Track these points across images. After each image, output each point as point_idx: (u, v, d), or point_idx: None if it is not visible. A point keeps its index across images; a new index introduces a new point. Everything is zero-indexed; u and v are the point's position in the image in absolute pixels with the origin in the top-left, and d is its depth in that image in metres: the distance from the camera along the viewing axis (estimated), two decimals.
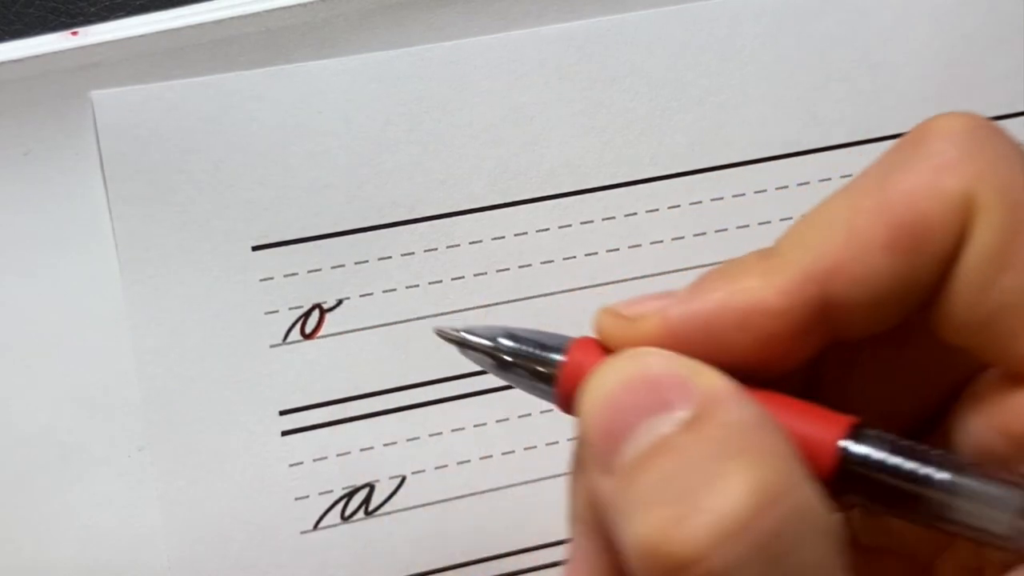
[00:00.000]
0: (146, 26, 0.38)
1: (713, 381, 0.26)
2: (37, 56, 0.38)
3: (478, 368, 0.39)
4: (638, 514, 0.25)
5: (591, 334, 0.28)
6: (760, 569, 0.24)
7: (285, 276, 0.39)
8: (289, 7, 0.38)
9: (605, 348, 0.28)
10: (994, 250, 0.26)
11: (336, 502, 0.40)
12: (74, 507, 0.39)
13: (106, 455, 0.39)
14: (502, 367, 0.30)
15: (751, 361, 0.27)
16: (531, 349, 0.29)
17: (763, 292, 0.27)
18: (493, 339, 0.30)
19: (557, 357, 0.29)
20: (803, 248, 0.27)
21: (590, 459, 0.26)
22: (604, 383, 0.27)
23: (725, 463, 0.25)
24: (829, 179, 0.42)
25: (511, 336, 0.30)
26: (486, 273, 0.40)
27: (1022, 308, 0.26)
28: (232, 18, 0.38)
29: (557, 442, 0.41)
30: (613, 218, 0.41)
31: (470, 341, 0.30)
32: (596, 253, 0.41)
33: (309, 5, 0.39)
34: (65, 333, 0.39)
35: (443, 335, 0.31)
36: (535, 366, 0.29)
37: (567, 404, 0.28)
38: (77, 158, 0.38)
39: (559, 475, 0.41)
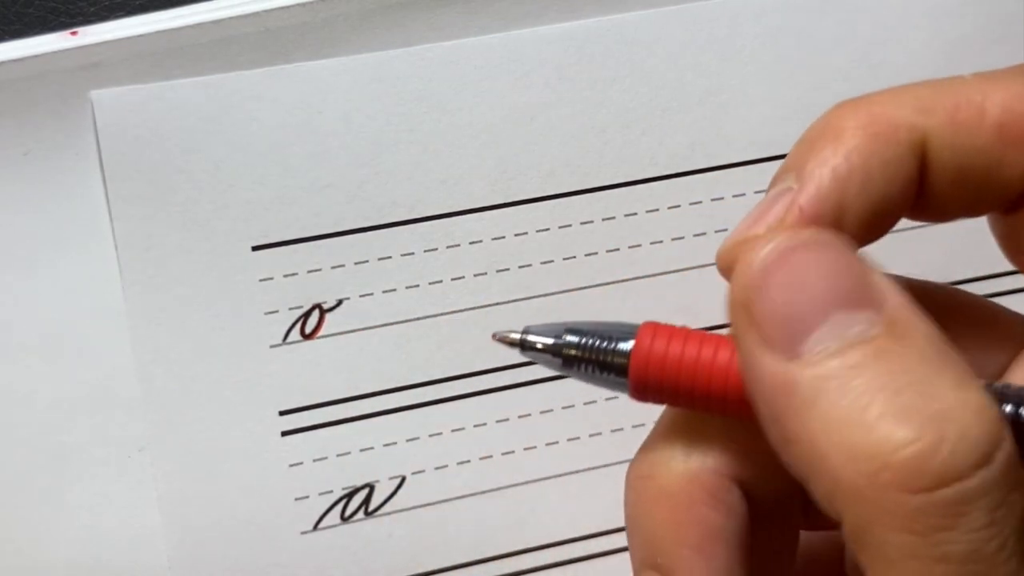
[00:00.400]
0: (146, 26, 0.38)
1: (898, 297, 0.25)
2: (37, 56, 0.38)
3: (478, 368, 0.40)
4: (863, 415, 0.23)
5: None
6: (1000, 496, 0.22)
7: (285, 276, 0.39)
8: (289, 7, 0.38)
9: (674, 331, 0.27)
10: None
11: (336, 502, 0.40)
12: (74, 507, 0.39)
13: (106, 455, 0.39)
14: (569, 364, 0.29)
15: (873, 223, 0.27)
16: (597, 342, 0.28)
17: (882, 139, 0.27)
18: (558, 336, 0.29)
19: (625, 346, 0.28)
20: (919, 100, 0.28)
21: (759, 339, 0.25)
22: (789, 261, 0.25)
23: (947, 378, 0.23)
24: None
25: (574, 331, 0.29)
26: (486, 273, 0.40)
27: None
28: (232, 18, 0.38)
29: (557, 442, 0.41)
30: (613, 218, 0.41)
31: (533, 343, 0.29)
32: (596, 253, 0.41)
33: (309, 5, 0.39)
34: (65, 333, 0.39)
35: (503, 340, 0.30)
36: (604, 358, 0.28)
37: (642, 392, 0.27)
38: (77, 158, 0.38)
39: (559, 475, 0.41)
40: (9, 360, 0.38)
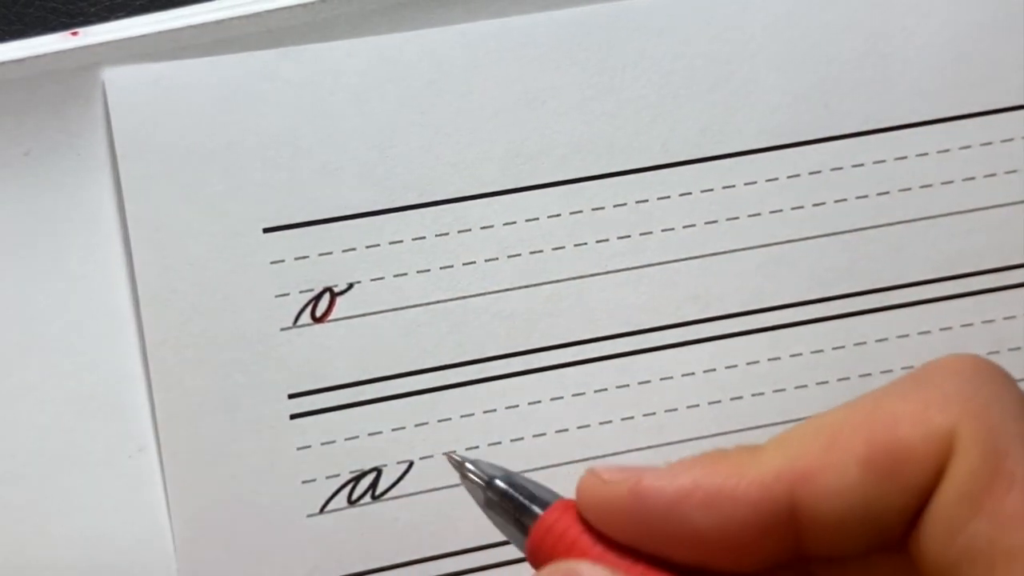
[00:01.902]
0: (146, 26, 0.38)
1: None
2: (37, 56, 0.38)
3: (488, 354, 0.40)
4: None
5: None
6: None
7: (296, 259, 0.39)
8: (290, 7, 0.39)
9: (580, 516, 0.29)
10: (967, 492, 0.26)
11: (343, 486, 0.40)
12: (74, 508, 0.39)
13: (106, 455, 0.39)
14: (488, 505, 0.32)
15: (712, 549, 0.28)
16: (519, 497, 0.31)
17: (734, 479, 0.27)
18: (490, 479, 0.32)
19: (537, 511, 0.31)
20: (784, 448, 0.28)
21: None
22: None
23: None
24: (841, 168, 0.41)
25: (508, 480, 0.32)
26: (497, 258, 0.40)
27: (989, 558, 0.26)
28: (232, 18, 0.38)
29: (567, 429, 0.41)
30: (624, 204, 0.41)
31: (469, 472, 0.32)
32: (607, 240, 0.41)
33: (310, 5, 0.39)
34: (65, 334, 0.39)
35: (450, 459, 0.33)
36: (517, 514, 0.31)
37: (534, 560, 0.29)
38: (78, 158, 0.38)
39: (568, 463, 0.41)
40: (9, 360, 0.38)
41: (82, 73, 0.38)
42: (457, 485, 0.39)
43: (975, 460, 0.26)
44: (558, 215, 0.40)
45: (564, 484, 0.41)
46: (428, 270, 0.40)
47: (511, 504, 0.32)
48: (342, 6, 0.39)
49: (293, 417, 0.39)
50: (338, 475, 0.40)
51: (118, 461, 0.39)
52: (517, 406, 0.40)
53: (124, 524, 0.39)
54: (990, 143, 0.42)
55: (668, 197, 0.41)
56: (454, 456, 0.33)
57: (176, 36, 0.38)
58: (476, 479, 0.33)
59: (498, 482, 0.32)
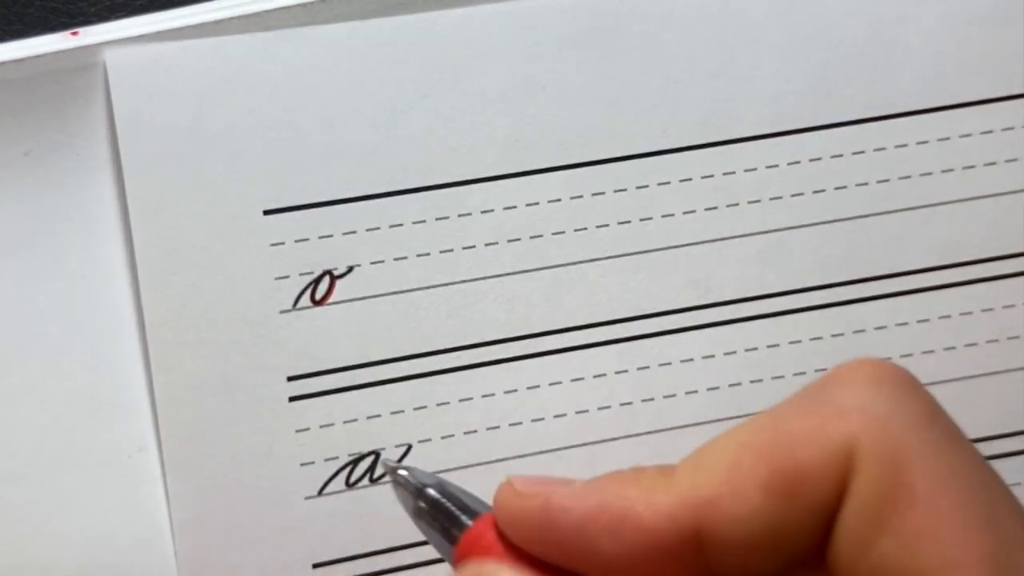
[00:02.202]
0: (146, 26, 0.38)
1: None
2: (37, 56, 0.38)
3: (487, 338, 0.40)
4: None
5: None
6: None
7: (296, 241, 0.39)
8: (289, 7, 0.39)
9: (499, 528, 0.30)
10: (869, 510, 0.26)
11: (341, 468, 0.40)
12: (74, 508, 0.39)
13: (106, 455, 0.39)
14: (417, 514, 0.32)
15: (621, 571, 0.27)
16: (450, 506, 0.32)
17: (639, 506, 0.27)
18: (422, 487, 0.32)
19: (466, 522, 0.31)
20: (693, 472, 0.27)
21: None
22: None
23: None
24: (841, 155, 0.41)
25: (440, 488, 0.32)
26: (497, 243, 0.40)
27: None
28: (232, 18, 0.38)
29: (565, 414, 0.41)
30: (625, 190, 0.41)
31: (400, 478, 0.32)
32: (607, 225, 0.41)
33: (309, 6, 0.39)
34: (65, 334, 0.39)
35: (384, 465, 0.36)
36: (444, 523, 0.31)
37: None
38: (78, 158, 0.38)
39: (565, 447, 0.41)
40: (9, 360, 0.38)
41: (82, 73, 0.38)
42: (453, 469, 0.40)
43: (875, 476, 0.26)
44: (558, 200, 0.40)
45: (563, 470, 0.41)
46: (428, 254, 0.40)
47: (441, 514, 0.32)
48: (342, 6, 0.39)
49: (292, 400, 0.39)
50: (336, 458, 0.40)
51: (118, 461, 0.39)
52: (516, 390, 0.40)
53: (124, 524, 0.39)
54: (991, 131, 0.42)
55: (668, 183, 0.41)
56: (388, 463, 0.35)
57: (176, 36, 0.38)
58: (407, 486, 0.32)
59: (429, 491, 0.32)
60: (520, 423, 0.41)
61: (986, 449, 0.42)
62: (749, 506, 0.26)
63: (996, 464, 0.41)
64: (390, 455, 0.40)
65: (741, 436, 0.27)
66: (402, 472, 0.33)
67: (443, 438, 0.40)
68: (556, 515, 0.28)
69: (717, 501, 0.27)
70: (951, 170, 0.42)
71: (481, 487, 0.40)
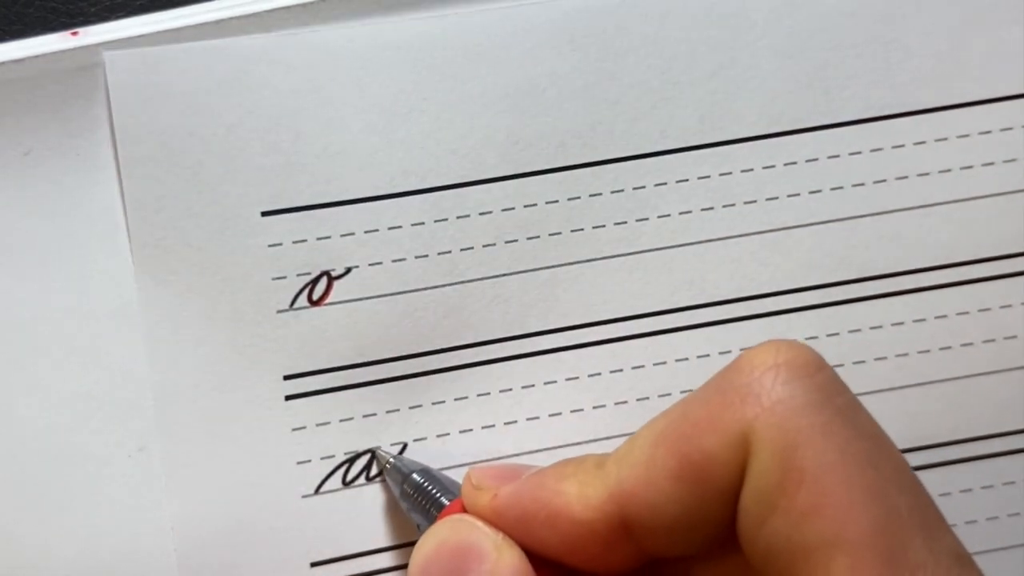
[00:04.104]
0: (146, 26, 0.38)
1: (509, 560, 0.31)
2: (37, 56, 0.38)
3: (483, 338, 0.40)
4: None
5: None
6: None
7: (294, 242, 0.39)
8: (289, 7, 0.39)
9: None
10: (762, 492, 0.27)
11: (338, 467, 0.40)
12: (74, 508, 0.39)
13: (106, 455, 0.39)
14: (403, 496, 0.38)
15: (564, 558, 0.31)
16: (431, 489, 0.37)
17: (572, 500, 0.30)
18: (408, 472, 0.38)
19: (445, 502, 0.36)
20: (618, 466, 0.30)
21: None
22: (423, 545, 0.33)
23: None
24: (838, 156, 0.42)
25: (424, 474, 0.38)
26: (495, 244, 0.40)
27: (789, 555, 0.27)
28: (232, 18, 0.38)
29: (560, 413, 0.41)
30: (622, 191, 0.41)
31: (391, 465, 0.39)
32: (604, 226, 0.41)
33: (309, 6, 0.39)
34: (65, 334, 0.39)
35: (378, 455, 0.39)
36: (426, 504, 0.37)
37: None
38: (78, 158, 0.38)
39: (561, 447, 0.41)
40: (10, 360, 0.38)
41: (82, 73, 0.38)
42: (449, 468, 0.40)
43: (767, 460, 0.27)
44: (556, 201, 0.40)
45: None
46: (426, 255, 0.40)
47: (423, 496, 0.37)
48: (341, 6, 0.39)
49: (288, 398, 0.40)
50: (333, 456, 0.40)
51: (118, 461, 0.39)
52: (511, 389, 0.41)
53: (124, 523, 0.39)
54: (989, 131, 0.42)
55: (665, 184, 0.41)
56: (380, 452, 0.39)
57: (176, 36, 0.38)
58: (395, 471, 0.38)
59: (414, 476, 0.37)
60: (515, 421, 0.41)
61: (983, 448, 0.42)
62: (663, 495, 0.29)
63: (994, 464, 0.41)
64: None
65: (657, 427, 0.30)
66: (392, 460, 0.38)
67: (438, 436, 0.40)
68: (502, 510, 0.31)
69: (636, 492, 0.29)
70: (949, 170, 0.42)
71: None
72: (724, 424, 0.28)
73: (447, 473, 0.39)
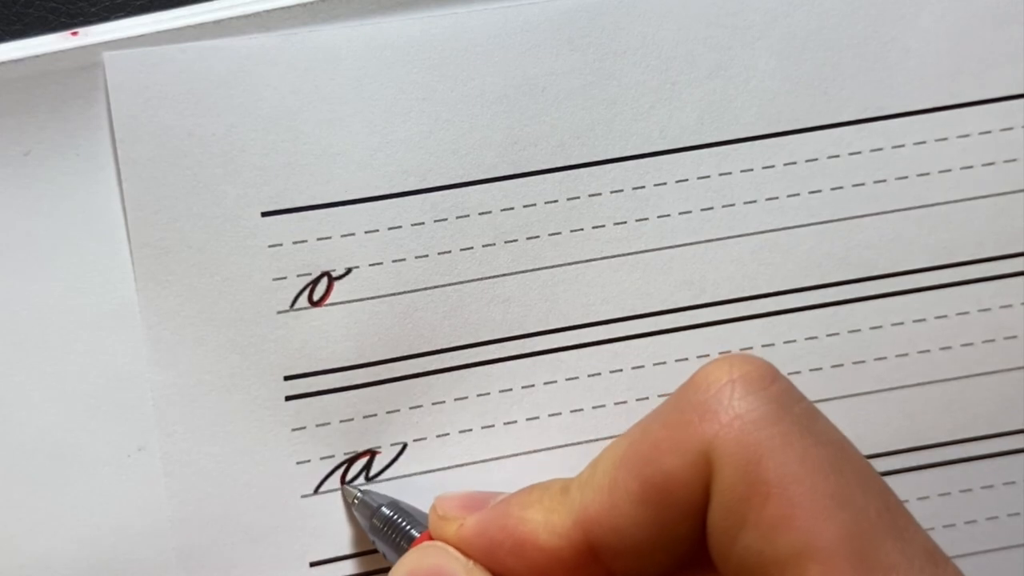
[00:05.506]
0: (146, 26, 0.38)
1: None
2: (37, 56, 0.38)
3: (483, 338, 0.40)
4: None
5: None
6: None
7: (294, 243, 0.39)
8: (289, 7, 0.39)
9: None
10: (729, 508, 0.27)
11: (337, 467, 0.40)
12: (74, 507, 0.39)
13: (106, 455, 0.39)
14: (372, 530, 0.38)
15: None
16: (400, 522, 0.37)
17: (537, 528, 0.30)
18: (376, 506, 0.38)
19: (415, 535, 0.36)
20: (582, 492, 0.30)
21: None
22: (395, 574, 0.33)
23: None
24: (838, 155, 0.42)
25: (393, 507, 0.38)
26: (494, 244, 0.40)
27: (761, 568, 0.27)
28: (232, 18, 0.39)
29: (559, 413, 0.41)
30: (621, 191, 0.41)
31: (358, 500, 0.39)
32: (603, 226, 0.41)
33: (309, 6, 0.39)
34: (65, 334, 0.39)
35: (345, 491, 0.39)
36: (395, 538, 0.37)
37: None
38: (78, 158, 0.38)
39: (560, 446, 0.41)
40: (10, 360, 0.39)
41: (82, 73, 0.38)
42: (448, 468, 0.40)
43: (731, 476, 0.27)
44: (555, 201, 0.40)
45: (558, 468, 0.41)
46: (426, 255, 0.40)
47: (392, 529, 0.37)
48: (341, 6, 0.39)
49: (288, 399, 0.40)
50: (332, 456, 0.40)
51: (118, 461, 0.39)
52: (511, 390, 0.41)
53: (124, 522, 0.39)
54: (989, 131, 0.42)
55: (665, 184, 0.41)
56: (347, 488, 0.39)
57: (176, 36, 0.38)
58: (364, 505, 0.38)
59: (383, 510, 0.38)
60: (515, 421, 0.41)
61: (983, 448, 0.42)
62: (627, 519, 0.29)
63: (993, 464, 0.41)
64: (386, 454, 0.40)
65: (618, 450, 0.30)
66: (359, 495, 0.38)
67: (438, 436, 0.40)
68: (469, 539, 0.31)
69: (600, 518, 0.29)
70: (948, 170, 0.42)
71: (476, 485, 0.41)
72: (684, 443, 0.28)
73: (446, 474, 0.39)
